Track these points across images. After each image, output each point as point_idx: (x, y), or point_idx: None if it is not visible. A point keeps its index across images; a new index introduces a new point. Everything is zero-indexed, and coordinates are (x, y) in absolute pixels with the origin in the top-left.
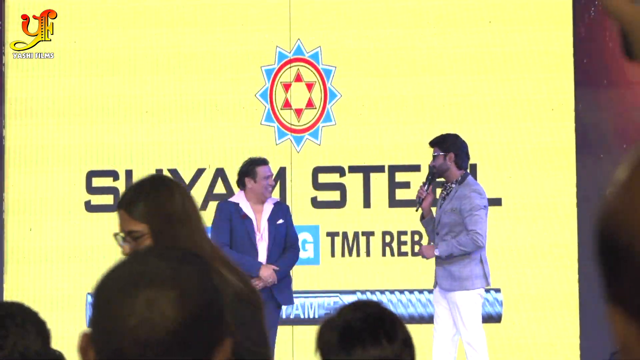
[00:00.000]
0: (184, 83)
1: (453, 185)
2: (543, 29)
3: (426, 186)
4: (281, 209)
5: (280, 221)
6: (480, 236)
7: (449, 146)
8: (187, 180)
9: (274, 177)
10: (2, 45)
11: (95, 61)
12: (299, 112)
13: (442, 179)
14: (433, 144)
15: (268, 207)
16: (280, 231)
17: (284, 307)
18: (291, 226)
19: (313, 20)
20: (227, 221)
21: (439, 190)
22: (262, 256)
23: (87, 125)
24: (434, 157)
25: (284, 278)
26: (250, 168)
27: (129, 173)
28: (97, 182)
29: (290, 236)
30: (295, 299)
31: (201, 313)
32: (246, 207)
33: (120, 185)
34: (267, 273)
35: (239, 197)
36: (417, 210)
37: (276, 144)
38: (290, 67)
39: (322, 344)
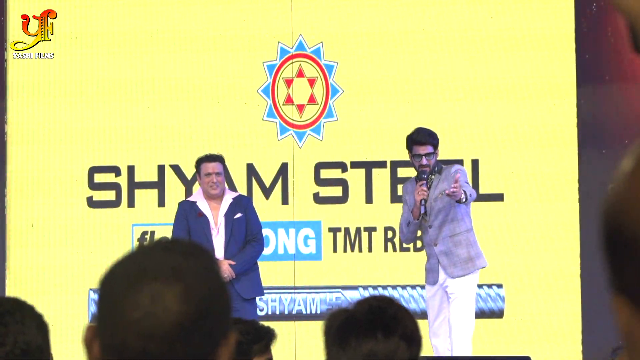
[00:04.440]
0: (186, 79)
1: (432, 177)
2: (545, 22)
3: (425, 186)
4: (240, 203)
5: (238, 215)
6: (475, 193)
7: (437, 142)
8: (188, 177)
9: (220, 173)
10: (3, 44)
11: (95, 60)
12: (300, 107)
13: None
14: (426, 141)
15: (226, 202)
16: (237, 225)
17: (287, 304)
18: (253, 219)
19: (315, 15)
20: (184, 220)
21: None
22: (219, 252)
23: (89, 122)
24: (430, 154)
25: (247, 271)
26: (196, 165)
27: (131, 169)
28: (99, 177)
29: (251, 229)
30: (297, 295)
31: (206, 307)
32: (202, 205)
33: (122, 181)
34: (222, 268)
35: (196, 195)
36: (421, 213)
37: (278, 140)
38: (292, 63)
39: (325, 330)
